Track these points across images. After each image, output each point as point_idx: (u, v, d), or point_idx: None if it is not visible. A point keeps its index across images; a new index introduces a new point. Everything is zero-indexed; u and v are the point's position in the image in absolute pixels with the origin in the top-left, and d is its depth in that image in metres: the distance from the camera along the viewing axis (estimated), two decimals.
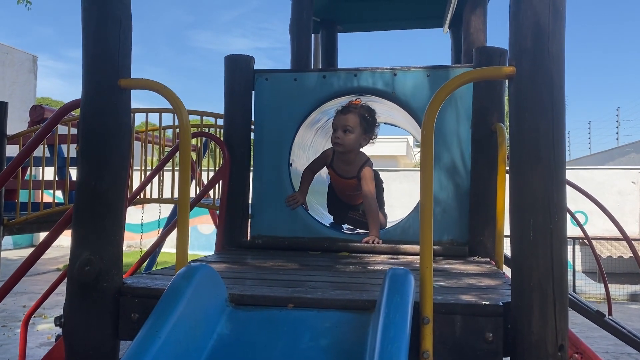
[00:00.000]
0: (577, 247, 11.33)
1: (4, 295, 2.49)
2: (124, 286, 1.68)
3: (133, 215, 8.90)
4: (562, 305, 1.44)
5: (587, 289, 10.29)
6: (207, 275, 1.52)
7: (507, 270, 2.32)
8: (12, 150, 4.87)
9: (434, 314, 1.48)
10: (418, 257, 2.58)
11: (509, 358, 1.50)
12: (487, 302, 1.52)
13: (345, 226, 3.27)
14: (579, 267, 11.53)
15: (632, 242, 4.89)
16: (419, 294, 1.48)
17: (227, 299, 1.59)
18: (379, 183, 3.16)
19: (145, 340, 1.23)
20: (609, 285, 5.35)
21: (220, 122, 5.11)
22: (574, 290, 10.09)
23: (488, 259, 2.57)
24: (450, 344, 1.50)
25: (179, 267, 1.65)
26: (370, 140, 3.07)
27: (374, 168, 3.10)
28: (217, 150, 5.70)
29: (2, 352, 6.14)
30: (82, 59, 1.71)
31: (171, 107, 5.33)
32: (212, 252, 2.91)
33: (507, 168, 2.56)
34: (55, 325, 1.67)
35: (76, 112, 4.22)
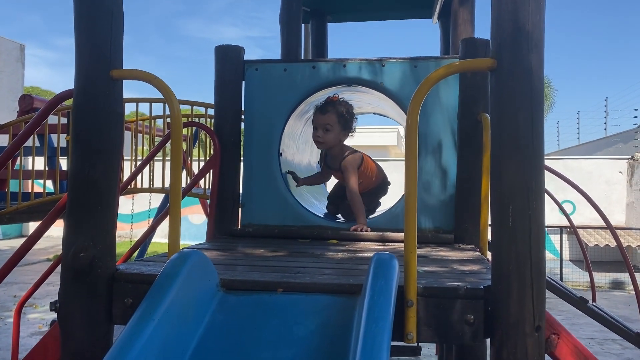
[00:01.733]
0: (565, 236, 11.49)
1: None
2: (118, 272, 1.72)
3: (123, 205, 8.87)
4: (540, 288, 1.51)
5: (574, 277, 10.46)
6: (198, 261, 1.56)
7: (491, 257, 2.39)
8: (1, 140, 4.88)
9: (417, 297, 1.54)
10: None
11: (489, 339, 1.58)
12: (468, 286, 1.59)
13: (339, 216, 3.34)
14: (566, 255, 11.70)
15: (616, 231, 4.99)
16: (404, 278, 1.54)
17: (218, 284, 1.65)
18: (384, 182, 3.29)
19: (139, 322, 1.28)
20: (595, 274, 5.47)
21: (211, 112, 5.14)
22: (560, 278, 10.25)
23: (473, 246, 2.64)
24: (433, 326, 1.57)
25: (171, 253, 1.69)
26: (350, 134, 3.16)
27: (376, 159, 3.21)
28: (207, 140, 5.73)
29: None
30: (74, 49, 1.74)
31: (161, 97, 5.33)
32: (196, 243, 2.96)
33: None
34: (51, 310, 1.71)
35: (67, 102, 4.23)
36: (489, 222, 2.49)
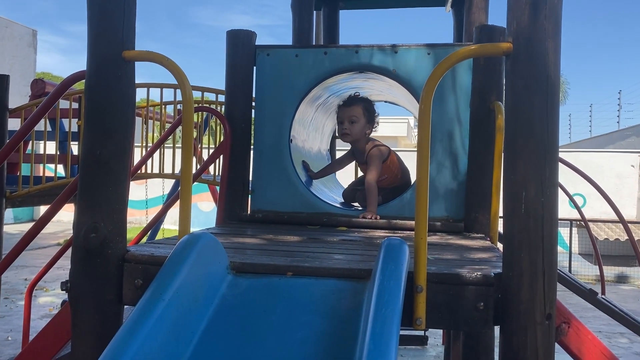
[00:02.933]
0: (575, 230, 11.42)
1: (6, 267, 2.55)
2: (128, 253, 1.73)
3: (137, 191, 8.95)
4: (551, 276, 1.50)
5: (583, 270, 10.41)
6: (209, 243, 1.57)
7: (501, 247, 2.38)
8: (13, 124, 4.90)
9: (427, 283, 1.53)
10: (414, 232, 2.65)
11: (499, 326, 1.57)
12: (478, 273, 1.58)
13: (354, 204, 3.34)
14: (575, 249, 11.64)
15: (628, 224, 4.95)
16: (414, 264, 1.54)
17: (228, 267, 1.65)
18: (408, 179, 3.28)
19: (150, 302, 1.29)
20: (604, 267, 5.44)
21: (221, 98, 5.14)
22: (569, 271, 10.20)
23: (483, 235, 2.62)
24: (443, 312, 1.56)
25: (181, 236, 1.70)
26: (373, 129, 3.22)
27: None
28: (217, 128, 5.73)
29: (5, 323, 6.24)
30: (87, 31, 1.74)
31: (172, 83, 5.30)
32: (205, 228, 2.96)
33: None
34: (62, 290, 1.73)
35: (77, 86, 4.24)
36: (500, 212, 2.49)
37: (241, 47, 3.00)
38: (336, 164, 3.50)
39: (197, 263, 1.49)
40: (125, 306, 1.78)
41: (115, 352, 1.15)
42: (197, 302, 1.45)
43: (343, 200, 3.38)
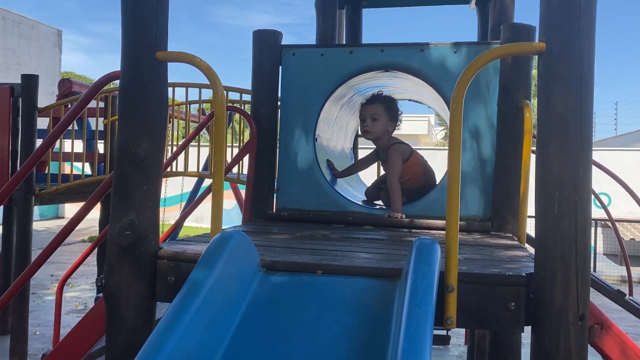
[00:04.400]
0: (599, 230, 11.24)
1: (41, 264, 2.61)
2: (161, 250, 1.76)
3: None
4: (585, 276, 1.49)
5: (608, 271, 10.24)
6: (241, 241, 1.59)
7: (528, 247, 2.36)
8: (41, 123, 5.00)
9: (458, 283, 1.53)
10: (440, 232, 2.64)
11: (530, 327, 1.56)
12: (510, 273, 1.57)
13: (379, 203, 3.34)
14: (600, 249, 11.45)
15: None
16: (444, 264, 1.54)
17: (259, 264, 1.67)
18: (432, 181, 3.24)
19: (186, 298, 1.32)
20: (631, 268, 5.35)
21: (245, 97, 5.17)
22: (594, 271, 10.04)
23: (511, 235, 2.61)
24: (473, 312, 1.56)
25: (213, 234, 1.73)
26: (396, 127, 3.21)
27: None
28: (239, 127, 5.78)
29: (32, 318, 6.36)
30: (121, 31, 1.77)
31: (197, 83, 5.34)
32: (233, 226, 2.99)
33: (533, 148, 2.58)
34: (97, 285, 1.77)
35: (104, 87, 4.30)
36: (528, 213, 2.47)
37: (267, 47, 3.03)
38: (361, 164, 3.51)
39: (230, 260, 1.52)
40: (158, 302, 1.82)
41: (154, 346, 1.17)
42: (230, 299, 1.47)
43: (365, 199, 3.38)
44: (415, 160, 3.16)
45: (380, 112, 3.09)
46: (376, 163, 3.53)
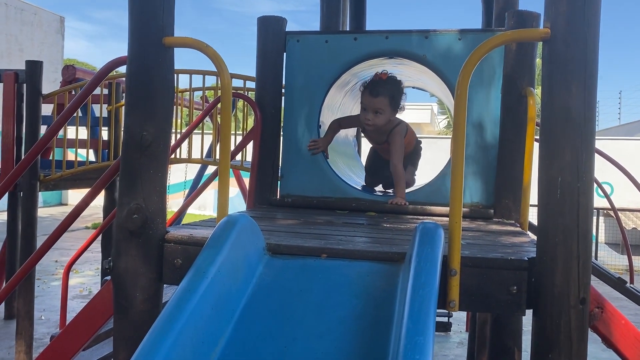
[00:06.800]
0: (602, 219, 11.26)
1: (47, 249, 2.64)
2: (168, 234, 1.79)
3: None
4: (586, 260, 1.51)
5: (609, 259, 10.27)
6: (247, 224, 1.61)
7: (531, 234, 2.38)
8: (45, 109, 5.02)
9: (461, 266, 1.56)
10: (443, 218, 2.66)
11: (532, 310, 1.59)
12: (512, 257, 1.60)
13: (379, 188, 3.35)
14: (602, 238, 11.48)
15: None
16: (448, 248, 1.56)
17: (264, 248, 1.70)
18: (417, 145, 3.26)
19: (194, 279, 1.34)
20: (633, 257, 5.37)
21: (249, 84, 5.17)
22: (596, 260, 10.07)
23: (513, 222, 2.63)
24: (476, 295, 1.59)
25: (220, 217, 1.75)
26: (398, 112, 3.11)
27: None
28: (242, 114, 5.79)
29: (38, 302, 6.42)
30: (128, 16, 1.78)
31: (200, 70, 5.32)
32: (239, 211, 3.01)
33: (537, 136, 2.59)
34: (105, 268, 1.80)
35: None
36: (530, 200, 2.48)
37: (272, 33, 3.03)
38: (337, 126, 3.20)
39: (236, 243, 1.54)
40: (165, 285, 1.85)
41: (164, 325, 1.20)
42: (237, 281, 1.50)
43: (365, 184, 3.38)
44: (409, 132, 3.18)
45: (384, 105, 2.96)
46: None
